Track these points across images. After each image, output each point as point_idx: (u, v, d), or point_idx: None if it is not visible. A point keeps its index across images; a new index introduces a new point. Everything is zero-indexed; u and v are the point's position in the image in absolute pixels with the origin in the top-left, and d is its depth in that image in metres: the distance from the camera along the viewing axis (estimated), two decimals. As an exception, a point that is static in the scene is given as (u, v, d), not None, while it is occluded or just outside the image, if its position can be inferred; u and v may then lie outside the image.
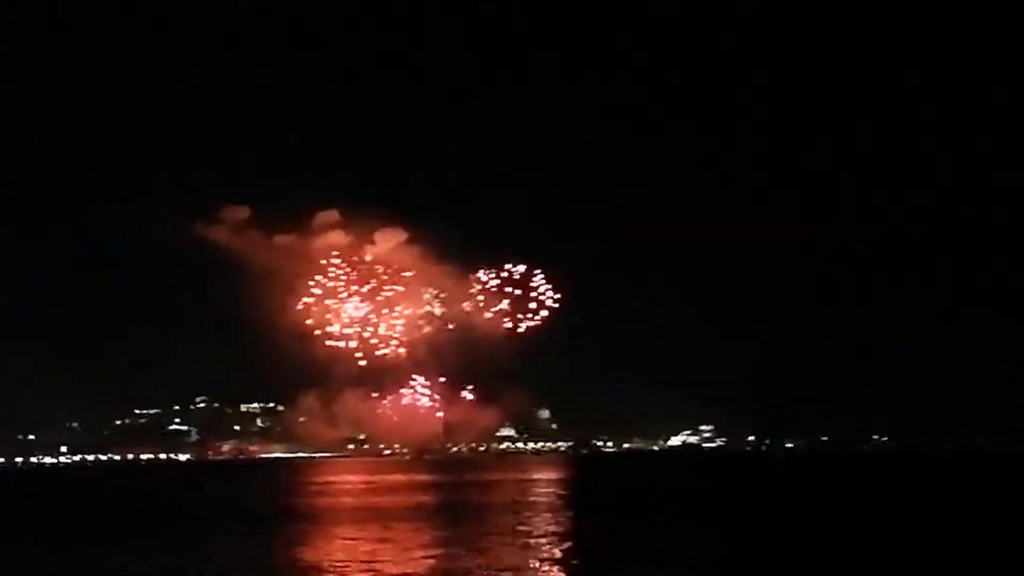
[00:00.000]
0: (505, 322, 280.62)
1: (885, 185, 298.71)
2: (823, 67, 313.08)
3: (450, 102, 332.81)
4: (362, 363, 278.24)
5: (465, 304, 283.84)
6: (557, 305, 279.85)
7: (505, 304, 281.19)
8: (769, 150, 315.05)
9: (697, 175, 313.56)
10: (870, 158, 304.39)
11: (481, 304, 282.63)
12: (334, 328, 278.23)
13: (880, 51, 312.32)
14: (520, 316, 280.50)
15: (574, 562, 41.55)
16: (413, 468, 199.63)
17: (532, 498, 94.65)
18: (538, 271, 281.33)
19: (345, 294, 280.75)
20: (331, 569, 41.50)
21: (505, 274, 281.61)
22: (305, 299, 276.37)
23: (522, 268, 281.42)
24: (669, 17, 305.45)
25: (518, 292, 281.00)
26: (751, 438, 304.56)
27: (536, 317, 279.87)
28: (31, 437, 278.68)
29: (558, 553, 45.10)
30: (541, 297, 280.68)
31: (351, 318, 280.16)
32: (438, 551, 47.44)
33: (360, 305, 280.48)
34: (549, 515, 69.47)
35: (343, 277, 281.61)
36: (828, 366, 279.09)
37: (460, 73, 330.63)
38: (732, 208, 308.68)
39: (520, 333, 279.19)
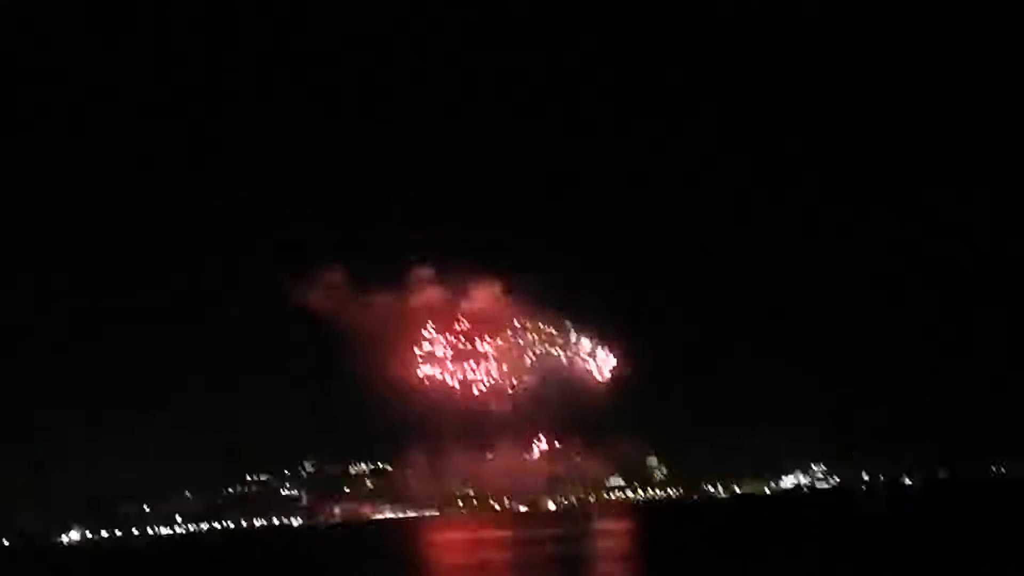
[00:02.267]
0: (605, 371, 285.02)
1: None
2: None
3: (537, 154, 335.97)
4: (466, 418, 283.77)
5: (566, 353, 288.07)
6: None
7: (602, 353, 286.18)
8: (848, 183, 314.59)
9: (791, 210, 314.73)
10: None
11: (582, 353, 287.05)
12: (436, 384, 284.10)
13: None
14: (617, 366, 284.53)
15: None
16: (526, 522, 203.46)
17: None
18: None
19: (445, 349, 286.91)
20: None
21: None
22: (405, 357, 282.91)
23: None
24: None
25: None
26: (866, 476, 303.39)
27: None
28: (146, 508, 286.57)
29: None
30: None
31: (452, 373, 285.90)
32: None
33: (460, 360, 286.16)
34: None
35: (441, 332, 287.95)
36: (944, 398, 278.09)
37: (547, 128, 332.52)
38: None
39: (623, 381, 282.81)
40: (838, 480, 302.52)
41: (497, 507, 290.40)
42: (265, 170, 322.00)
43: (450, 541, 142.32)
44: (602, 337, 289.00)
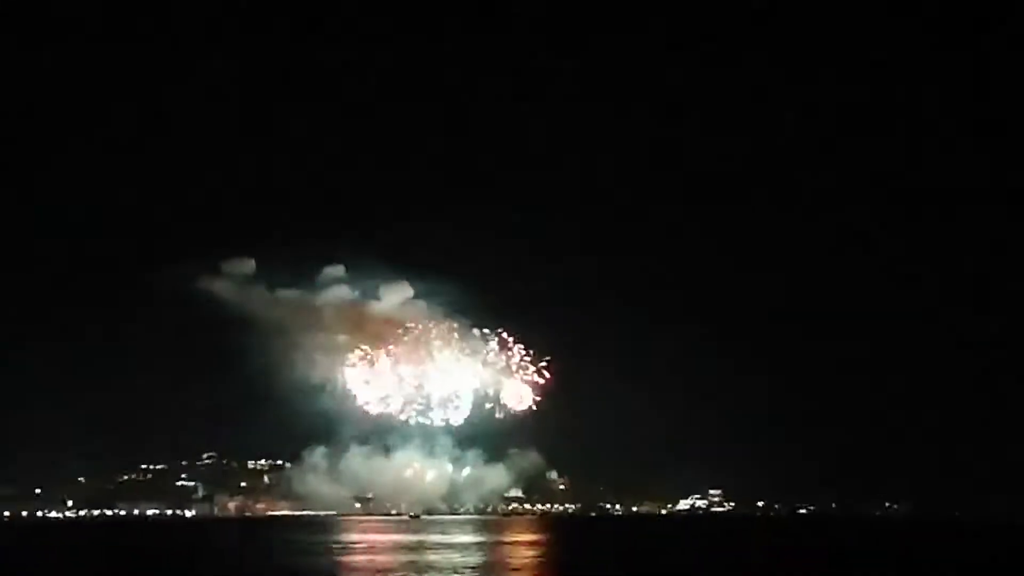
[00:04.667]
0: (515, 382, 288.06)
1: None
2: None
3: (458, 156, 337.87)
4: (369, 420, 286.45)
5: (475, 362, 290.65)
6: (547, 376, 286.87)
7: (515, 364, 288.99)
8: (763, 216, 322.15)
9: (700, 241, 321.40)
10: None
11: (490, 362, 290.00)
12: (341, 384, 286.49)
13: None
14: (528, 377, 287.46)
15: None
16: (418, 528, 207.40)
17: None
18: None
19: (352, 350, 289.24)
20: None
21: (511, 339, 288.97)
22: (311, 355, 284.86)
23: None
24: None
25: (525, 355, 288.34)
26: (760, 503, 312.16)
27: (542, 380, 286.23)
28: (37, 491, 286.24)
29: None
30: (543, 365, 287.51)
31: (357, 374, 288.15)
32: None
33: (366, 362, 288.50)
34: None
35: (349, 333, 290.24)
36: (842, 430, 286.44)
37: (469, 127, 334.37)
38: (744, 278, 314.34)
39: (530, 394, 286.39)
40: (732, 505, 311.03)
41: (395, 512, 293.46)
42: (184, 161, 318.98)
43: (340, 542, 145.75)
44: (516, 349, 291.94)
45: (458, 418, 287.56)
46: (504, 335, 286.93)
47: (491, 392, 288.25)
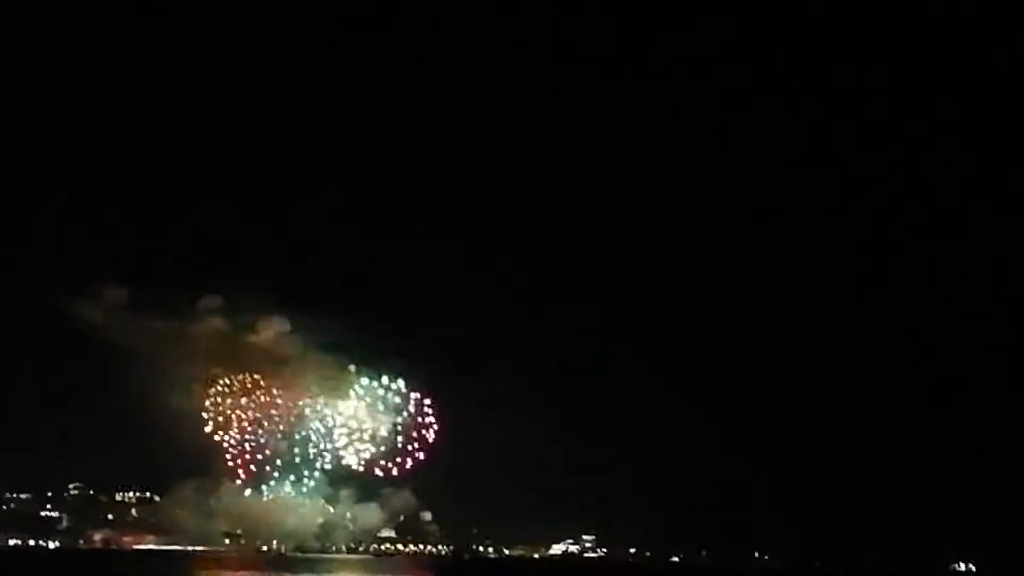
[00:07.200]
0: (387, 423, 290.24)
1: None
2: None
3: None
4: (241, 455, 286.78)
5: (347, 400, 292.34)
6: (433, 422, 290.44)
7: (392, 404, 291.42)
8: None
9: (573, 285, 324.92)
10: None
11: (364, 401, 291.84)
12: (214, 418, 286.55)
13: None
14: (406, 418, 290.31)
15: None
16: (289, 566, 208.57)
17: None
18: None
19: (225, 382, 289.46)
20: None
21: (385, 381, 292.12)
22: (184, 385, 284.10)
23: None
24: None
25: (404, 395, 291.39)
26: (632, 549, 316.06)
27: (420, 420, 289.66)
28: None
29: None
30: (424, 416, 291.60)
31: (231, 408, 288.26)
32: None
33: (239, 395, 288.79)
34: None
35: (223, 365, 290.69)
36: (716, 479, 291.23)
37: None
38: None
39: (403, 435, 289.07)
40: (605, 551, 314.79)
41: (265, 548, 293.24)
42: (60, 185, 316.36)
43: None
44: (395, 389, 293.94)
45: (332, 456, 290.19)
46: (383, 375, 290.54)
47: (367, 430, 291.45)
